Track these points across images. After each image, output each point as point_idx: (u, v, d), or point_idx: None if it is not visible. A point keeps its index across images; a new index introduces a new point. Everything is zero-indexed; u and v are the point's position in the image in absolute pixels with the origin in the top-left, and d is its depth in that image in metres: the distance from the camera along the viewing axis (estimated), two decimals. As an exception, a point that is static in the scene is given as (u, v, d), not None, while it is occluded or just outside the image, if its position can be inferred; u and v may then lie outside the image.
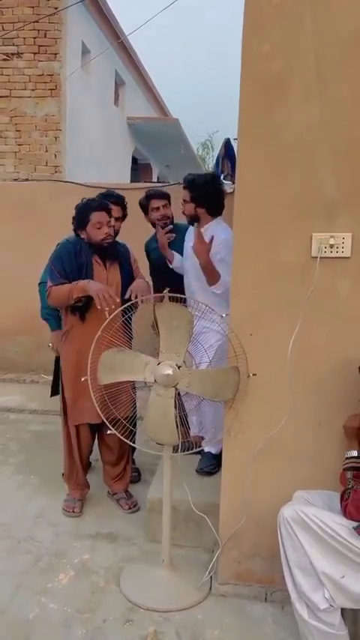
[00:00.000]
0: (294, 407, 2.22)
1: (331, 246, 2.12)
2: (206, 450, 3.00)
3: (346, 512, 1.86)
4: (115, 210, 3.19)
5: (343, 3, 2.02)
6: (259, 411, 2.28)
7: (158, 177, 12.76)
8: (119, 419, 2.47)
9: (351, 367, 2.13)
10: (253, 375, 2.23)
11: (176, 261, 3.24)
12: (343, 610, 1.91)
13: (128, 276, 3.00)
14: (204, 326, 2.71)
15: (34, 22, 6.31)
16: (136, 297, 2.71)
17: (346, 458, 2.01)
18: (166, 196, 3.44)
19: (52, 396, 3.48)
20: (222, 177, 5.36)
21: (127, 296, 2.80)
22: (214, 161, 5.88)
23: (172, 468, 2.43)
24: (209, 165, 15.86)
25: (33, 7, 6.41)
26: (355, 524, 1.85)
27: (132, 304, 2.47)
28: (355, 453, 2.00)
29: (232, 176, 4.93)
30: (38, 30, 6.46)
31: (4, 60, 6.59)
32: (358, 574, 1.85)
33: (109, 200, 3.17)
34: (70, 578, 2.48)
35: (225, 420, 2.34)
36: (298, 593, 1.93)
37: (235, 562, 2.39)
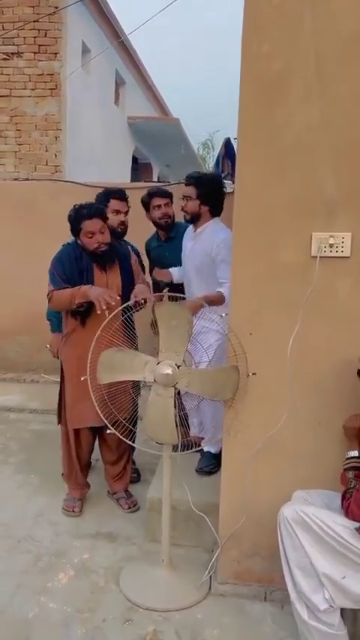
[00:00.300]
0: (293, 406, 2.22)
1: (331, 245, 2.12)
2: (206, 449, 3.00)
3: (348, 512, 1.86)
4: (122, 205, 3.23)
5: (342, 3, 2.02)
6: (258, 410, 2.28)
7: (159, 177, 12.76)
8: (119, 419, 2.47)
9: (351, 367, 2.13)
10: (253, 374, 2.23)
11: (175, 276, 3.24)
12: (342, 610, 1.91)
13: (128, 278, 2.99)
14: (203, 325, 2.72)
15: (34, 21, 6.31)
16: (135, 297, 2.71)
17: (347, 458, 2.01)
18: (168, 195, 3.45)
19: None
20: (222, 177, 5.37)
21: (131, 302, 2.79)
22: (215, 161, 5.87)
23: (172, 468, 2.44)
24: (209, 165, 15.85)
25: (33, 7, 6.40)
26: (357, 525, 1.84)
27: (133, 305, 2.47)
28: (355, 453, 2.00)
29: (232, 175, 4.93)
30: (38, 29, 6.46)
31: (5, 59, 6.59)
32: (359, 574, 1.85)
33: (112, 196, 3.20)
34: (70, 578, 2.48)
35: (224, 420, 2.34)
36: (297, 593, 1.93)
37: (234, 561, 2.39)
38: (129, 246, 3.23)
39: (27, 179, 6.41)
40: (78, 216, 2.82)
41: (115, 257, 2.97)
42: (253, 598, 2.34)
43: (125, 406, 2.61)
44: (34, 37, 6.49)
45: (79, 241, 2.90)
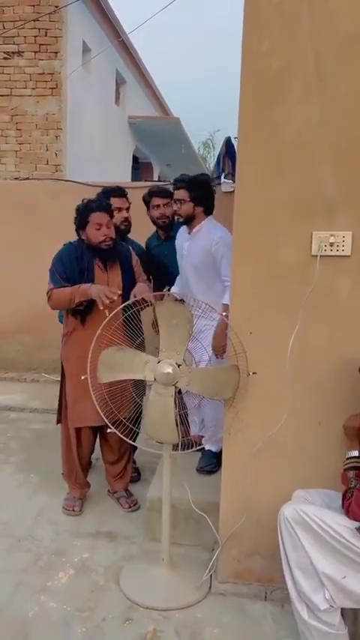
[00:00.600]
0: (294, 406, 2.21)
1: (332, 244, 2.11)
2: (207, 448, 3.00)
3: (348, 512, 1.86)
4: (123, 202, 3.25)
5: (340, 2, 2.02)
6: (258, 409, 2.27)
7: (159, 176, 12.76)
8: (120, 418, 2.47)
9: (351, 366, 2.12)
10: (253, 373, 2.23)
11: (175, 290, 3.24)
12: (342, 609, 1.91)
13: (129, 277, 2.99)
14: (205, 324, 2.72)
15: (34, 20, 6.31)
16: (134, 297, 2.71)
17: (347, 458, 2.01)
18: (168, 195, 3.45)
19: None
20: (223, 176, 5.36)
21: (130, 301, 2.79)
22: (215, 160, 5.87)
23: (172, 467, 2.43)
24: (210, 165, 15.84)
25: (34, 6, 6.40)
26: (357, 524, 1.84)
27: (133, 303, 2.47)
28: (355, 453, 1.99)
29: (232, 175, 4.93)
30: (39, 28, 6.46)
31: (5, 58, 6.59)
32: (359, 574, 1.85)
33: (112, 195, 3.21)
34: (70, 577, 2.48)
35: (225, 419, 2.34)
36: (297, 593, 1.93)
37: (234, 561, 2.39)
38: (130, 247, 3.23)
39: (27, 178, 6.41)
40: (87, 209, 2.86)
41: (117, 257, 2.97)
42: (254, 597, 2.33)
43: (126, 405, 2.61)
44: (35, 36, 6.50)
45: (83, 236, 2.90)
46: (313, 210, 2.13)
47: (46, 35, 6.48)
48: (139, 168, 11.73)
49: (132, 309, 2.42)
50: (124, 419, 2.50)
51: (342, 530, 1.84)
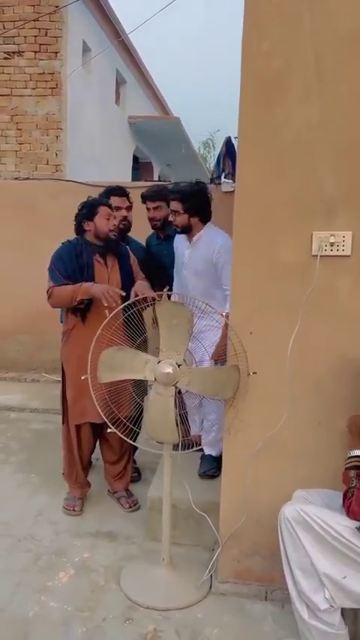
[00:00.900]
0: (294, 406, 2.21)
1: (332, 244, 2.11)
2: (207, 452, 3.00)
3: (349, 512, 1.85)
4: (123, 201, 3.26)
5: (340, 2, 2.02)
6: (259, 409, 2.27)
7: (159, 176, 12.76)
8: (120, 418, 2.47)
9: (351, 366, 2.12)
10: (254, 373, 2.23)
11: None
12: (343, 609, 1.91)
13: (128, 275, 3.00)
14: (205, 324, 2.71)
15: (34, 20, 6.32)
16: (136, 296, 2.71)
17: (349, 457, 2.01)
18: (159, 198, 3.43)
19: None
20: (223, 176, 5.37)
21: (130, 298, 2.79)
22: (215, 160, 5.87)
23: (173, 467, 2.43)
24: (210, 165, 15.85)
25: (34, 6, 6.41)
26: (357, 524, 1.84)
27: (134, 302, 2.47)
28: (357, 452, 1.99)
29: (233, 175, 4.93)
30: (39, 28, 6.47)
31: (5, 58, 6.59)
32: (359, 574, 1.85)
33: (115, 193, 3.24)
34: (70, 577, 2.48)
35: (225, 419, 2.34)
36: (298, 593, 1.93)
37: (235, 561, 2.39)
38: (130, 245, 3.24)
39: (27, 178, 6.41)
40: (96, 201, 2.95)
41: (116, 254, 2.98)
42: (254, 597, 2.33)
43: (126, 404, 2.61)
44: (35, 36, 6.51)
45: (87, 228, 2.91)
46: (313, 210, 2.13)
47: (46, 35, 6.49)
48: (140, 168, 11.73)
49: (133, 308, 2.42)
50: (124, 418, 2.51)
51: (342, 529, 1.84)
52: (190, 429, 3.08)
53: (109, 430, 2.45)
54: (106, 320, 2.36)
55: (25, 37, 6.49)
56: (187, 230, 3.00)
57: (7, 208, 5.95)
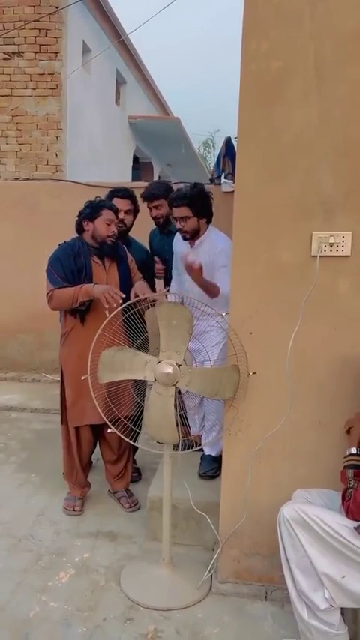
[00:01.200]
0: (294, 406, 2.22)
1: (331, 244, 2.12)
2: (207, 453, 3.00)
3: (348, 513, 1.86)
4: (124, 204, 3.24)
5: (340, 2, 2.02)
6: (259, 409, 2.28)
7: (159, 176, 12.76)
8: (120, 418, 2.48)
9: (351, 366, 2.13)
10: (253, 373, 2.24)
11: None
12: (343, 609, 1.91)
13: (126, 275, 3.00)
14: (208, 324, 2.71)
15: (34, 21, 6.32)
16: (137, 296, 2.71)
17: (347, 455, 2.01)
18: (158, 197, 3.43)
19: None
20: (223, 176, 5.38)
21: (130, 298, 2.79)
22: (215, 160, 5.88)
23: (173, 467, 2.44)
24: (210, 165, 15.86)
25: (34, 6, 6.42)
26: (356, 524, 1.84)
27: (134, 303, 2.47)
28: (355, 450, 2.00)
29: (232, 175, 4.93)
30: (39, 29, 6.47)
31: (5, 59, 6.60)
32: (359, 574, 1.85)
33: (117, 194, 3.23)
34: (71, 577, 2.49)
35: (225, 419, 2.34)
36: (298, 593, 1.93)
37: (235, 560, 2.40)
38: (130, 247, 3.24)
39: (28, 179, 6.42)
40: (100, 203, 2.94)
41: (114, 255, 2.98)
42: (254, 597, 2.34)
43: (126, 404, 2.61)
44: (35, 37, 6.51)
45: (87, 228, 2.90)
46: (312, 211, 2.13)
47: (46, 36, 6.50)
48: (140, 168, 11.73)
49: (132, 309, 2.42)
50: (124, 418, 2.51)
51: (341, 529, 1.84)
52: (190, 429, 3.08)
53: (109, 430, 2.45)
54: (106, 320, 2.36)
55: (25, 37, 6.50)
56: (196, 234, 2.98)
57: (8, 209, 5.96)
